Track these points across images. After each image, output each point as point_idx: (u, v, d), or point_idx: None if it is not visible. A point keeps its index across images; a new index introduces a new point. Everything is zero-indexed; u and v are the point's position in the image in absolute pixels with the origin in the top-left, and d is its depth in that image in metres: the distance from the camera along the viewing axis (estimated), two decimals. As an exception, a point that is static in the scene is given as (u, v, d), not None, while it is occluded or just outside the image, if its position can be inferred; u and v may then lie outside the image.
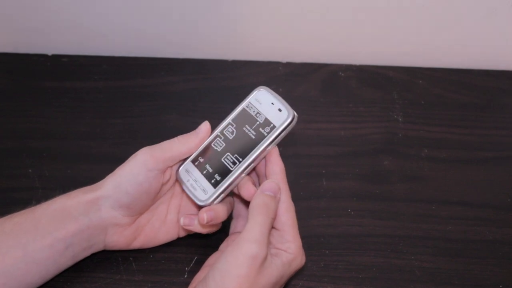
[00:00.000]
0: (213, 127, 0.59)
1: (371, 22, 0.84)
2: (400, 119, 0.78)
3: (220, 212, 0.58)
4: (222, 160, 0.58)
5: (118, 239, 0.60)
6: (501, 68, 0.85)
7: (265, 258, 0.52)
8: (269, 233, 0.54)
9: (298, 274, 0.58)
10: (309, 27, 0.85)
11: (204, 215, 0.57)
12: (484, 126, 0.78)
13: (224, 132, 0.59)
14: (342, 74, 0.84)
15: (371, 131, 0.77)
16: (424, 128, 0.77)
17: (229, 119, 0.59)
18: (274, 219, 0.55)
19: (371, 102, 0.80)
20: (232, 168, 0.57)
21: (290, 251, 0.54)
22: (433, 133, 0.77)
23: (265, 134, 0.57)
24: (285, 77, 0.83)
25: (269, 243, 0.54)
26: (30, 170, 0.71)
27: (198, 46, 0.87)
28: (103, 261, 0.62)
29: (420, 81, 0.83)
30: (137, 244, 0.62)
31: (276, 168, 0.57)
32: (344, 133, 0.76)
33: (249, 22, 0.85)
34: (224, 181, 0.57)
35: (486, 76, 0.84)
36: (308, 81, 0.83)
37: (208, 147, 0.59)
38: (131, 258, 0.63)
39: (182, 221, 0.60)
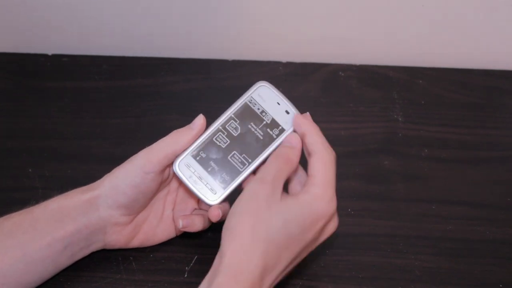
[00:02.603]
0: (212, 122, 0.59)
1: (371, 22, 0.84)
2: (400, 119, 0.78)
3: (227, 208, 0.59)
4: (229, 158, 0.58)
5: (117, 238, 0.60)
6: (501, 68, 0.85)
7: (269, 195, 0.51)
8: (279, 175, 0.53)
9: (298, 273, 0.57)
10: (309, 27, 0.85)
11: (220, 212, 0.57)
12: (484, 126, 0.78)
13: (227, 127, 0.58)
14: (342, 74, 0.84)
15: (371, 131, 0.77)
16: (424, 128, 0.77)
17: (230, 113, 0.58)
18: (287, 161, 0.55)
19: (371, 102, 0.80)
20: (241, 169, 0.58)
21: (311, 191, 0.53)
22: (433, 133, 0.77)
23: (274, 136, 0.58)
24: (285, 77, 0.83)
25: (280, 184, 0.53)
26: (30, 170, 0.71)
27: (198, 46, 0.87)
28: (103, 260, 0.62)
29: (420, 81, 0.83)
30: (136, 242, 0.62)
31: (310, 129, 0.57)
32: (344, 133, 0.76)
33: (249, 22, 0.84)
34: (233, 181, 0.57)
35: (486, 76, 0.84)
36: (308, 81, 0.83)
37: (210, 141, 0.58)
38: (131, 258, 0.63)
39: (180, 223, 0.60)
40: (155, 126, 0.77)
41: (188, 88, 0.82)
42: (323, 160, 0.54)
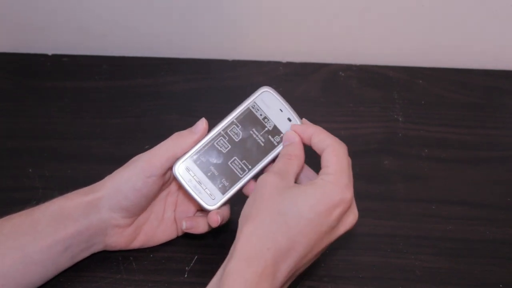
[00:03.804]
0: (214, 126, 0.59)
1: (371, 22, 0.84)
2: (400, 119, 0.78)
3: (227, 212, 0.59)
4: (229, 164, 0.58)
5: (118, 240, 0.60)
6: (501, 68, 0.85)
7: (278, 183, 0.52)
8: (287, 168, 0.54)
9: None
10: (309, 27, 0.85)
11: (218, 217, 0.57)
12: (484, 126, 0.78)
13: (229, 132, 0.58)
14: (342, 74, 0.84)
15: (371, 131, 0.77)
16: (424, 128, 0.77)
17: (233, 118, 0.58)
18: (291, 156, 0.55)
19: (371, 102, 0.80)
20: (241, 175, 0.58)
21: (324, 178, 0.53)
22: (433, 133, 0.77)
23: (275, 143, 0.58)
24: (285, 77, 0.83)
25: (289, 175, 0.54)
26: (30, 170, 0.71)
27: (198, 46, 0.87)
28: (104, 260, 0.62)
29: (420, 81, 0.83)
30: (137, 243, 0.62)
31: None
32: (344, 133, 0.76)
33: (249, 22, 0.85)
34: (233, 187, 0.58)
35: (486, 76, 0.84)
36: (308, 81, 0.83)
37: (211, 146, 0.58)
38: (131, 258, 0.63)
39: (184, 225, 0.60)
40: (155, 126, 0.77)
41: (188, 88, 0.82)
42: (335, 151, 0.54)
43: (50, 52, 0.86)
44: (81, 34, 0.86)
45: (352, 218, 0.54)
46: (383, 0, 0.81)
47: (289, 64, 0.85)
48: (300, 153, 0.56)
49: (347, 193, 0.52)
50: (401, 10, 0.82)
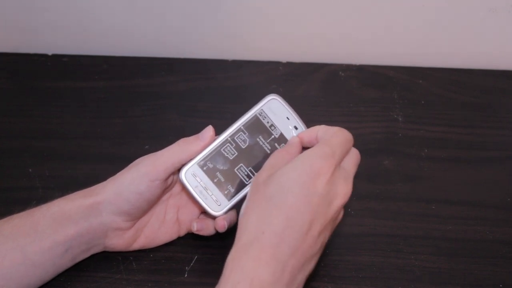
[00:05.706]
0: (215, 127, 0.59)
1: (371, 22, 0.84)
2: (400, 119, 0.78)
3: (233, 217, 0.59)
4: (236, 171, 0.58)
5: (118, 242, 0.60)
6: (501, 68, 0.85)
7: (265, 176, 0.52)
8: (275, 164, 0.54)
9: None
10: (309, 27, 0.85)
11: (225, 223, 0.57)
12: (484, 126, 0.78)
13: (235, 139, 0.58)
14: (342, 74, 0.84)
15: (371, 131, 0.77)
16: (424, 128, 0.77)
17: (240, 125, 0.58)
18: (283, 155, 0.55)
19: (371, 102, 0.80)
20: (247, 182, 0.58)
21: (306, 151, 0.52)
22: (433, 133, 0.77)
23: None
24: (285, 77, 0.83)
25: (275, 167, 0.53)
26: (30, 170, 0.71)
27: (198, 46, 0.87)
28: (104, 260, 0.62)
29: (420, 81, 0.83)
30: (137, 245, 0.62)
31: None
32: (344, 133, 0.76)
33: (249, 22, 0.85)
34: (238, 194, 0.58)
35: (486, 76, 0.84)
36: (308, 81, 0.83)
37: (217, 152, 0.58)
38: (131, 258, 0.63)
39: (195, 227, 0.60)
40: (155, 126, 0.77)
41: (188, 88, 0.82)
42: (335, 133, 0.54)
43: (50, 52, 0.86)
44: (81, 34, 0.87)
45: (342, 187, 0.52)
46: (383, 0, 0.81)
47: (289, 64, 0.85)
48: (294, 151, 0.56)
49: (329, 160, 0.51)
50: (401, 10, 0.82)
